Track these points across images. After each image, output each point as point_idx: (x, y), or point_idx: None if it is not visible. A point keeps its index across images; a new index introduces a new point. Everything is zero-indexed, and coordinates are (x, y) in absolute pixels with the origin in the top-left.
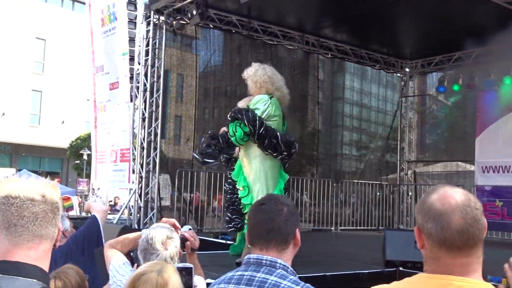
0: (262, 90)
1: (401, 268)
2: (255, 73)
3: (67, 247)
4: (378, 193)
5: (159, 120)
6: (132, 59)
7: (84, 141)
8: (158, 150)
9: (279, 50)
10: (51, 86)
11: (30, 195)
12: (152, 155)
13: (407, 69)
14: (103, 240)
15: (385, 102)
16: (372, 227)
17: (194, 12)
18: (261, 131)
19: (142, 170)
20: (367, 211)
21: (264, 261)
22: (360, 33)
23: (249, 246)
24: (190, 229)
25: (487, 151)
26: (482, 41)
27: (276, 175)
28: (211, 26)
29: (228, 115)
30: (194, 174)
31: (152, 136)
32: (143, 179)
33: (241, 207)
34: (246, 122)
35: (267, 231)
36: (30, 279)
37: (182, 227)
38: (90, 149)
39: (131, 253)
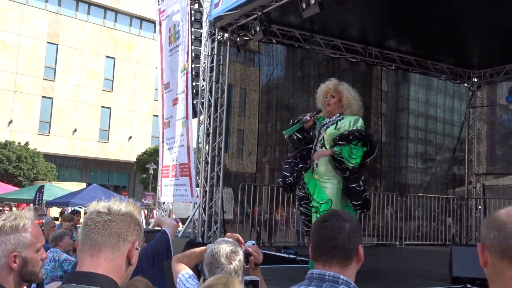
0: (352, 109)
1: (469, 285)
2: (350, 92)
3: (138, 259)
4: (445, 207)
5: (223, 135)
6: (197, 75)
7: (151, 156)
8: (222, 164)
9: (342, 63)
10: (119, 103)
11: (97, 209)
12: (216, 170)
13: (475, 79)
14: (172, 253)
15: (451, 112)
16: (439, 242)
17: (258, 28)
18: (375, 150)
19: (206, 184)
20: (433, 226)
21: (327, 277)
22: (424, 43)
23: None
24: (253, 244)
25: None
26: None
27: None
28: (274, 41)
29: (340, 142)
30: (256, 188)
31: (216, 151)
32: (207, 193)
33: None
34: (368, 139)
35: (330, 248)
36: None
37: (246, 241)
38: (156, 163)
39: (198, 267)
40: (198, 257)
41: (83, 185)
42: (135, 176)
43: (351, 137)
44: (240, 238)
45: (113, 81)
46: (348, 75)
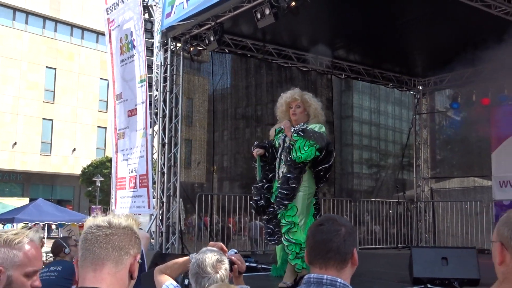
0: (319, 119)
1: (429, 285)
2: (316, 102)
3: None
4: (390, 211)
5: (179, 145)
6: (150, 85)
7: (96, 168)
8: (178, 175)
9: (293, 72)
10: (61, 114)
11: (97, 223)
12: (172, 180)
13: (420, 87)
14: (146, 266)
15: (394, 119)
16: (391, 245)
17: (212, 38)
18: (331, 159)
19: (163, 195)
20: (384, 230)
21: (324, 280)
22: (372, 53)
23: (307, 265)
24: (236, 252)
25: (504, 165)
26: (493, 56)
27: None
28: (227, 51)
29: (300, 131)
30: (208, 197)
31: (172, 161)
32: (164, 204)
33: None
34: (325, 146)
35: (326, 251)
36: None
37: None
38: (103, 175)
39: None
40: (181, 268)
41: (26, 200)
42: (80, 189)
43: (311, 135)
44: (224, 247)
45: (54, 92)
46: (300, 84)
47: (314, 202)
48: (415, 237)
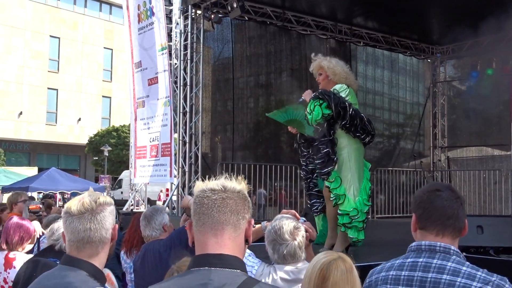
0: (340, 79)
1: (464, 254)
2: (336, 64)
3: (170, 241)
4: (403, 180)
5: (200, 114)
6: (169, 54)
7: (103, 137)
8: (200, 144)
9: (312, 40)
10: (66, 84)
11: (211, 186)
12: (194, 150)
13: (438, 55)
14: None
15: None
16: (408, 214)
17: (235, 5)
18: (351, 112)
19: (185, 164)
20: (401, 199)
21: (438, 248)
22: (391, 20)
23: (418, 230)
24: (305, 220)
25: None
26: None
27: (362, 164)
28: (246, 18)
29: (313, 95)
30: (234, 166)
31: (194, 130)
32: (186, 173)
33: (318, 189)
34: (333, 104)
35: (448, 217)
36: (236, 271)
37: None
38: (110, 145)
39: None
40: (255, 235)
41: (35, 169)
42: (86, 158)
43: (317, 94)
44: (297, 214)
45: (58, 61)
46: (319, 52)
47: (369, 167)
48: None
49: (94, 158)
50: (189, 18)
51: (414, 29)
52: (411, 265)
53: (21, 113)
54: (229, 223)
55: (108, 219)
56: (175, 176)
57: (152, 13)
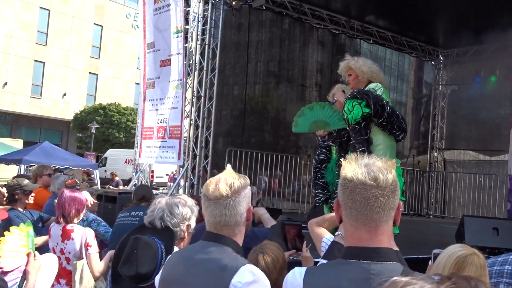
0: (374, 78)
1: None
2: (363, 64)
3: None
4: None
5: (214, 100)
6: (185, 37)
7: (89, 114)
8: (212, 129)
9: (325, 34)
10: (53, 58)
11: (362, 180)
12: (205, 134)
13: (441, 58)
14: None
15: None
16: (406, 212)
17: None
18: (388, 110)
19: (196, 148)
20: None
21: None
22: (401, 19)
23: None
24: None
25: None
26: None
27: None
28: (264, 8)
29: (349, 95)
30: (243, 153)
31: (206, 114)
32: (197, 156)
33: (324, 180)
34: (372, 102)
35: None
36: (394, 263)
37: None
38: (98, 123)
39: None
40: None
41: (20, 141)
42: (69, 134)
43: (355, 94)
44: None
45: (47, 34)
46: (329, 45)
47: (400, 163)
48: (425, 205)
49: (78, 134)
50: (210, 3)
51: (422, 31)
52: None
53: (6, 83)
54: (382, 220)
55: (243, 204)
56: (183, 159)
57: None
